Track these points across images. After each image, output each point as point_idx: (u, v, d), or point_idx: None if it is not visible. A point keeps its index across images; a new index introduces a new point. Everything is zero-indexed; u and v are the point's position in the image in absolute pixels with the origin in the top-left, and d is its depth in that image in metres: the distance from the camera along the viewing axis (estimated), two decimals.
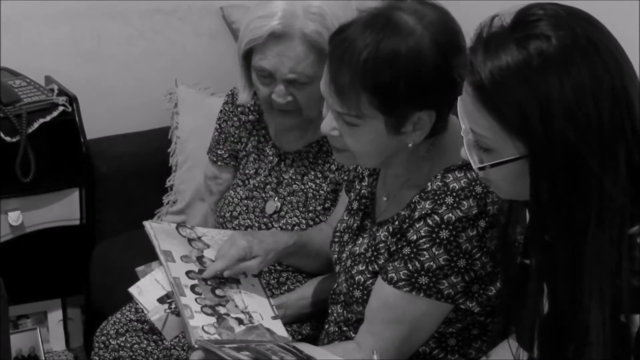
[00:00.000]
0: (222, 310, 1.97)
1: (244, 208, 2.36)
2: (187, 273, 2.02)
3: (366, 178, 2.04)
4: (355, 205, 2.03)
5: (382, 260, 1.88)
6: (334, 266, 2.05)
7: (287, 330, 2.04)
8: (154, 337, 2.25)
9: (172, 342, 2.21)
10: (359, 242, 1.97)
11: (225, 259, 2.04)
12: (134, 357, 2.24)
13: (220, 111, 2.47)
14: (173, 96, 3.11)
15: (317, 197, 2.29)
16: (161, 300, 2.03)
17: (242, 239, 2.07)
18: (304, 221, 2.28)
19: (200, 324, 1.91)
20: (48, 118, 2.80)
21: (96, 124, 3.00)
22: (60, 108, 2.84)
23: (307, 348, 1.85)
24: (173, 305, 2.01)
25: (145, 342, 2.26)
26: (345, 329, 1.99)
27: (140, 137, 3.14)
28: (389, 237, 1.87)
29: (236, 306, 2.01)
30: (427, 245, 1.77)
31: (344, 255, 2.00)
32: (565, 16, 1.44)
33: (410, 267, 1.79)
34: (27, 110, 2.77)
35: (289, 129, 2.31)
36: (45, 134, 2.80)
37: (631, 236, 1.42)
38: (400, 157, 1.87)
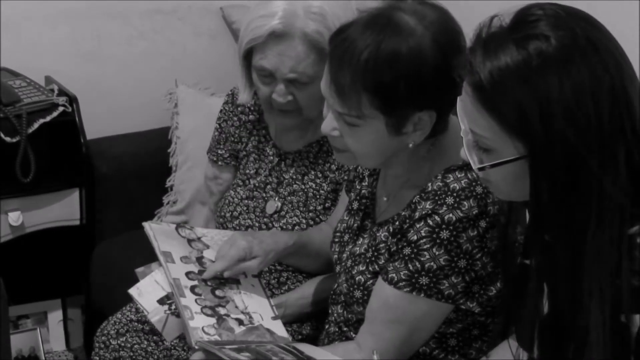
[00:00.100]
0: (222, 311, 1.97)
1: (244, 208, 2.36)
2: (187, 274, 2.02)
3: (366, 178, 2.04)
4: (355, 205, 2.03)
5: (383, 261, 1.87)
6: (334, 266, 2.05)
7: (287, 330, 2.05)
8: (154, 337, 2.25)
9: (172, 343, 2.20)
10: (359, 242, 1.97)
11: (225, 260, 2.04)
12: (134, 357, 2.24)
13: (221, 111, 2.47)
14: (173, 96, 3.10)
15: (318, 197, 2.29)
16: (161, 302, 2.03)
17: (242, 240, 2.07)
18: (304, 221, 2.28)
19: (201, 325, 1.91)
20: (48, 118, 2.80)
21: (96, 124, 3.00)
22: (60, 108, 2.84)
23: (307, 349, 1.85)
24: (173, 307, 2.01)
25: (145, 342, 2.26)
26: (345, 329, 1.99)
27: (140, 137, 3.14)
28: (390, 238, 1.87)
29: (236, 307, 2.01)
30: (428, 246, 1.77)
31: (344, 255, 2.00)
32: (564, 16, 1.43)
33: (411, 268, 1.79)
34: (27, 111, 2.77)
35: (289, 128, 2.31)
36: (45, 134, 2.80)
37: (631, 236, 1.42)
38: (400, 158, 1.87)
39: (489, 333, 1.88)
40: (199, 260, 2.07)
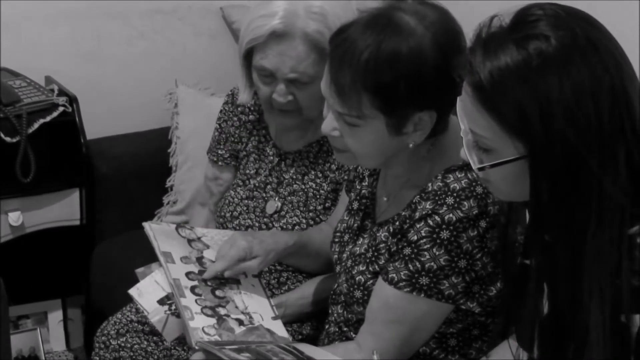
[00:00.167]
0: (222, 311, 1.97)
1: (245, 208, 2.36)
2: (187, 274, 2.01)
3: (366, 178, 2.04)
4: (355, 205, 2.03)
5: (383, 261, 1.87)
6: (335, 266, 2.05)
7: (287, 330, 2.04)
8: (154, 338, 2.25)
9: (172, 344, 2.20)
10: (360, 242, 1.96)
11: (225, 260, 2.04)
12: (134, 357, 2.24)
13: (220, 111, 2.47)
14: (173, 96, 3.10)
15: (318, 196, 2.29)
16: (161, 302, 2.03)
17: (242, 239, 2.07)
18: (304, 221, 2.28)
19: (201, 325, 1.91)
20: (48, 118, 2.80)
21: (96, 124, 3.00)
22: (61, 108, 2.84)
23: (307, 349, 1.85)
24: (173, 307, 2.01)
25: (145, 342, 2.26)
26: (345, 329, 1.99)
27: (141, 137, 3.14)
28: (390, 238, 1.87)
29: (236, 307, 2.01)
30: (428, 246, 1.77)
31: (345, 255, 2.00)
32: (564, 16, 1.43)
33: (411, 268, 1.79)
34: (27, 111, 2.77)
35: (289, 128, 2.31)
36: (45, 134, 2.80)
37: (631, 236, 1.42)
38: (400, 158, 1.87)
39: (489, 333, 1.88)
40: (199, 260, 2.07)
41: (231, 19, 3.27)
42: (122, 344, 2.26)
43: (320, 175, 2.30)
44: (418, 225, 1.79)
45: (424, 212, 1.78)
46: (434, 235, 1.77)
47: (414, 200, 1.83)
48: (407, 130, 1.79)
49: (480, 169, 1.50)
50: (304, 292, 2.25)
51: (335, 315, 2.03)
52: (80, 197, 2.93)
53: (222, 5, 3.30)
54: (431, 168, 1.85)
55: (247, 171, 2.40)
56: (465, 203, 1.76)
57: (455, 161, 1.78)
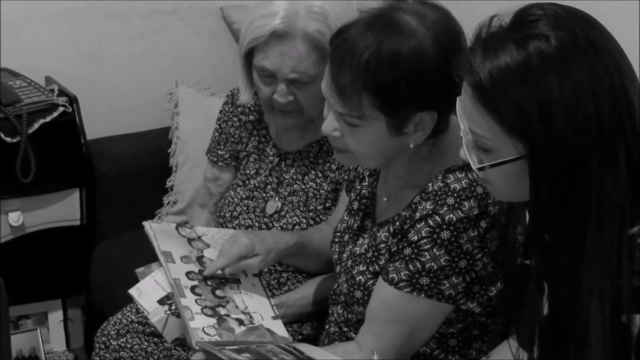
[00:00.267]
0: (222, 311, 1.97)
1: (245, 208, 2.36)
2: (187, 274, 2.01)
3: (367, 178, 2.04)
4: (355, 205, 2.03)
5: (383, 261, 1.87)
6: (335, 266, 2.05)
7: (287, 330, 2.04)
8: (155, 339, 2.25)
9: (172, 344, 2.20)
10: (360, 242, 1.96)
11: (226, 257, 2.04)
12: (134, 357, 2.24)
13: (220, 111, 2.47)
14: (173, 96, 3.11)
15: (318, 196, 2.29)
16: (161, 302, 2.03)
17: (244, 237, 2.07)
18: (304, 221, 2.28)
19: (201, 325, 1.91)
20: (48, 118, 2.80)
21: (96, 125, 3.00)
22: (61, 108, 2.84)
23: (307, 349, 1.85)
24: (173, 307, 2.01)
25: (145, 343, 2.26)
26: (345, 329, 1.99)
27: (141, 137, 3.14)
28: (390, 238, 1.87)
29: (236, 307, 2.01)
30: (428, 246, 1.77)
31: (345, 255, 2.00)
32: (564, 16, 1.43)
33: (411, 268, 1.79)
34: (28, 111, 2.77)
35: (289, 129, 2.31)
36: (45, 134, 2.80)
37: (631, 236, 1.42)
38: (401, 158, 1.87)
39: (489, 333, 1.88)
40: (200, 259, 2.07)
41: (231, 19, 3.27)
42: (123, 344, 2.26)
43: (320, 175, 2.30)
44: (418, 226, 1.79)
45: (424, 213, 1.78)
46: (435, 236, 1.77)
47: (414, 201, 1.83)
48: (407, 130, 1.79)
49: (480, 169, 1.50)
50: (304, 292, 2.25)
51: (335, 315, 2.03)
52: (80, 197, 2.93)
53: (222, 5, 3.30)
54: (431, 168, 1.85)
55: (247, 171, 2.40)
56: (465, 203, 1.76)
57: (455, 161, 1.78)
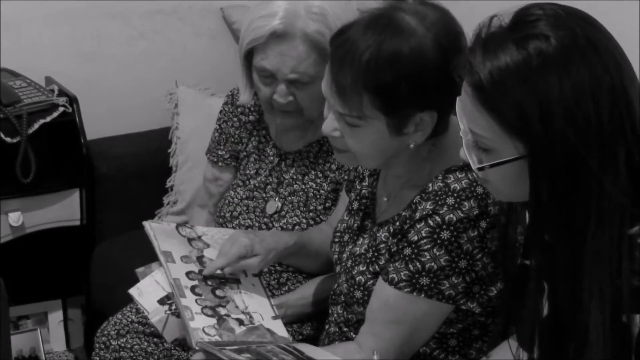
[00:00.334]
0: (222, 311, 1.97)
1: (244, 208, 2.36)
2: (187, 274, 2.01)
3: (367, 178, 2.04)
4: (355, 205, 2.03)
5: (383, 261, 1.87)
6: (335, 266, 2.05)
7: (287, 330, 2.04)
8: (155, 340, 2.25)
9: (172, 344, 2.20)
10: (360, 242, 1.96)
11: (226, 257, 2.04)
12: (134, 357, 2.24)
13: (220, 112, 2.47)
14: (173, 97, 3.11)
15: (318, 196, 2.29)
16: (161, 302, 2.03)
17: (244, 237, 2.07)
18: (304, 221, 2.28)
19: (201, 325, 1.91)
20: (48, 119, 2.80)
21: (96, 125, 3.00)
22: (61, 109, 2.84)
23: (307, 349, 1.85)
24: (173, 307, 2.01)
25: (145, 343, 2.26)
26: (345, 329, 1.99)
27: (141, 137, 3.14)
28: (390, 238, 1.87)
29: (236, 307, 2.01)
30: (428, 246, 1.77)
31: (345, 255, 2.00)
32: (564, 16, 1.43)
33: (411, 268, 1.79)
34: (28, 111, 2.77)
35: (289, 129, 2.31)
36: (45, 134, 2.80)
37: (631, 236, 1.42)
38: (401, 158, 1.87)
39: (489, 333, 1.88)
40: (200, 259, 2.07)
41: (231, 19, 3.27)
42: (123, 345, 2.26)
43: (320, 175, 2.30)
44: (418, 226, 1.79)
45: (424, 213, 1.78)
46: (435, 236, 1.77)
47: (414, 201, 1.83)
48: (408, 130, 1.79)
49: (479, 169, 1.50)
50: (304, 292, 2.25)
51: (335, 315, 2.03)
52: (80, 197, 2.93)
53: (222, 5, 3.30)
54: (432, 168, 1.85)
55: (247, 171, 2.40)
56: (465, 203, 1.76)
57: (455, 161, 1.78)
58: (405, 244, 1.81)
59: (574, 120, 1.39)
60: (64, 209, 2.92)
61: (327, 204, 2.29)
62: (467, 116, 1.48)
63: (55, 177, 2.87)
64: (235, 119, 2.43)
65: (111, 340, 2.28)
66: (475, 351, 1.90)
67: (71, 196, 2.92)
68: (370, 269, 1.89)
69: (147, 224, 2.09)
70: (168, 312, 2.02)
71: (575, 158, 1.40)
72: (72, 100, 2.87)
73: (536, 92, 1.40)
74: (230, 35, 3.30)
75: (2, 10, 2.97)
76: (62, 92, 2.90)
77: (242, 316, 1.99)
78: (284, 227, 2.29)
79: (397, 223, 1.86)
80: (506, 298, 1.73)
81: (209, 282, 2.03)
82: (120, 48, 3.21)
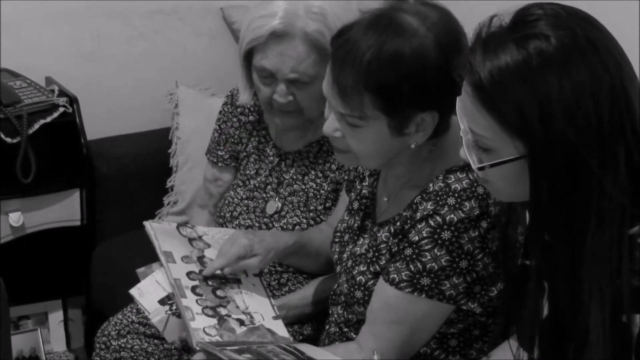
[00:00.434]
0: (223, 311, 1.97)
1: (245, 208, 2.36)
2: (188, 274, 2.01)
3: (367, 178, 2.04)
4: (355, 205, 2.03)
5: (384, 261, 1.87)
6: (335, 266, 2.05)
7: (288, 330, 2.04)
8: (155, 341, 2.25)
9: (173, 345, 2.20)
10: (360, 242, 1.96)
11: (225, 257, 2.04)
12: (135, 357, 2.24)
13: (220, 112, 2.47)
14: (173, 97, 3.11)
15: (318, 196, 2.29)
16: (162, 302, 2.03)
17: (243, 237, 2.07)
18: (304, 221, 2.28)
19: (202, 325, 1.91)
20: (48, 119, 2.80)
21: (96, 125, 3.01)
22: (61, 109, 2.84)
23: (308, 349, 1.85)
24: (174, 307, 2.01)
25: (146, 343, 2.26)
26: (345, 329, 1.99)
27: (141, 137, 3.14)
28: (391, 238, 1.87)
29: (237, 307, 2.01)
30: (429, 246, 1.77)
31: (345, 255, 2.00)
32: (564, 16, 1.43)
33: (412, 268, 1.79)
34: (28, 111, 2.77)
35: (289, 129, 2.31)
36: (45, 134, 2.80)
37: (631, 236, 1.42)
38: (402, 158, 1.87)
39: (490, 333, 1.88)
40: (200, 259, 2.07)
41: (231, 19, 3.27)
42: (123, 345, 2.26)
43: (320, 175, 2.30)
44: (419, 226, 1.79)
45: (425, 213, 1.78)
46: (435, 236, 1.77)
47: (415, 201, 1.83)
48: (409, 131, 1.79)
49: (479, 169, 1.50)
50: (305, 293, 2.25)
51: (335, 315, 2.03)
52: (80, 197, 2.94)
53: (222, 5, 3.30)
54: (432, 168, 1.85)
55: (247, 172, 2.40)
56: (466, 204, 1.76)
57: (456, 162, 1.78)
58: (406, 244, 1.81)
59: (574, 120, 1.39)
60: (64, 209, 2.92)
61: (327, 204, 2.29)
62: (467, 116, 1.48)
63: (56, 178, 2.87)
64: (235, 119, 2.43)
65: (112, 341, 2.28)
66: (475, 351, 1.89)
67: (71, 196, 2.92)
68: (371, 269, 1.89)
69: (147, 224, 2.09)
70: (169, 312, 2.03)
71: (575, 158, 1.40)
72: (72, 101, 2.87)
73: (536, 91, 1.40)
74: (230, 35, 3.30)
75: (2, 10, 2.98)
76: (62, 92, 2.91)
77: (242, 316, 1.99)
78: (284, 227, 2.29)
79: (398, 223, 1.86)
80: (507, 298, 1.73)
81: (210, 283, 2.03)
82: (120, 48, 3.21)
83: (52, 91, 2.90)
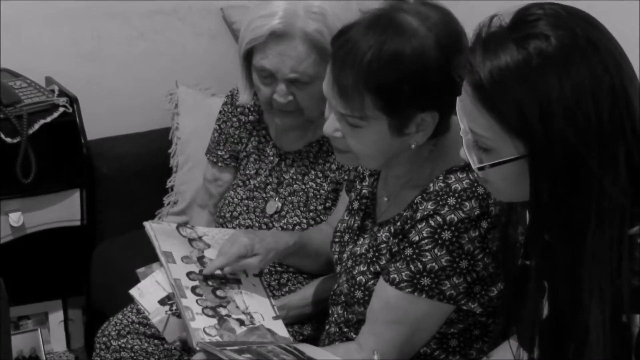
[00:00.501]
0: (223, 311, 1.97)
1: (245, 208, 2.36)
2: (188, 274, 2.01)
3: (367, 178, 2.04)
4: (355, 205, 2.03)
5: (384, 261, 1.87)
6: (335, 266, 2.05)
7: (288, 331, 2.04)
8: (155, 341, 2.25)
9: (173, 345, 2.20)
10: (360, 242, 1.96)
11: (225, 256, 2.04)
12: (135, 357, 2.24)
13: (220, 112, 2.47)
14: (173, 97, 3.11)
15: (318, 196, 2.29)
16: (162, 302, 2.03)
17: (244, 237, 2.07)
18: (304, 221, 2.28)
19: (202, 325, 1.91)
20: (49, 119, 2.81)
21: (97, 125, 3.01)
22: (61, 109, 2.84)
23: (308, 349, 1.85)
24: (174, 307, 2.01)
25: (146, 344, 2.26)
26: (345, 330, 1.99)
27: (141, 137, 3.14)
28: (391, 238, 1.87)
29: (237, 307, 2.01)
30: (430, 247, 1.77)
31: (345, 255, 2.00)
32: (564, 16, 1.43)
33: (413, 268, 1.79)
34: (28, 111, 2.77)
35: (289, 129, 2.31)
36: (45, 134, 2.80)
37: (631, 236, 1.42)
38: (402, 158, 1.87)
39: (490, 333, 1.88)
40: (200, 259, 2.07)
41: (231, 19, 3.27)
42: (123, 345, 2.26)
43: (320, 175, 2.30)
44: (419, 226, 1.79)
45: (425, 213, 1.78)
46: (436, 236, 1.77)
47: (415, 201, 1.83)
48: (409, 131, 1.79)
49: (479, 169, 1.50)
50: (305, 293, 2.25)
51: (335, 315, 2.03)
52: (80, 197, 2.94)
53: (222, 5, 3.30)
54: (432, 168, 1.85)
55: (247, 171, 2.40)
56: (466, 204, 1.76)
57: (456, 162, 1.78)
58: (407, 244, 1.81)
59: (574, 120, 1.39)
60: (64, 209, 2.92)
61: (327, 204, 2.29)
62: (467, 116, 1.48)
63: (56, 178, 2.87)
64: (234, 119, 2.43)
65: (112, 341, 2.28)
66: (475, 351, 1.89)
67: (71, 196, 2.92)
68: (371, 269, 1.89)
69: (147, 225, 2.09)
70: (169, 312, 2.03)
71: (575, 158, 1.40)
72: (73, 101, 2.87)
73: (536, 91, 1.40)
74: (230, 35, 3.30)
75: (2, 10, 2.98)
76: (63, 93, 2.91)
77: (242, 316, 1.99)
78: (284, 227, 2.29)
79: (398, 223, 1.86)
80: (507, 298, 1.73)
81: (210, 283, 2.03)
82: (120, 48, 3.21)
83: (52, 91, 2.90)
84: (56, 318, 3.13)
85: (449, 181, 1.79)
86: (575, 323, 1.44)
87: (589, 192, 1.40)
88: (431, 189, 1.80)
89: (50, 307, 3.12)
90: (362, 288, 1.90)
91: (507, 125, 1.43)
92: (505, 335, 1.74)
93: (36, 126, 2.78)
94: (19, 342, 2.99)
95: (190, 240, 2.12)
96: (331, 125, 1.83)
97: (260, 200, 2.35)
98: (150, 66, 3.25)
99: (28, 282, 2.99)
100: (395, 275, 1.80)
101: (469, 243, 1.76)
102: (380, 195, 1.98)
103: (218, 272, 2.04)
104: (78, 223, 2.95)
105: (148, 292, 2.04)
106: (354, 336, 1.95)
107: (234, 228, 2.34)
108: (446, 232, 1.76)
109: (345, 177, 2.22)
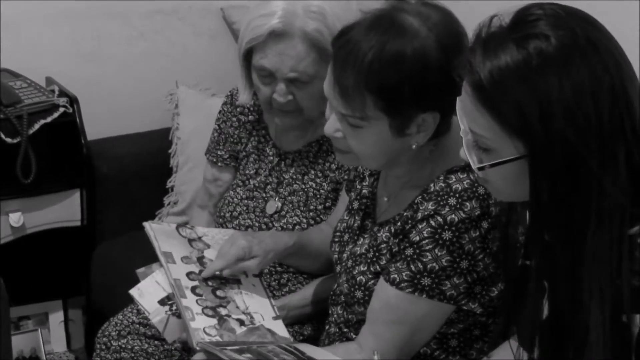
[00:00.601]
0: (223, 311, 1.97)
1: (244, 208, 2.36)
2: (188, 274, 2.01)
3: (367, 178, 2.04)
4: (355, 205, 2.03)
5: (384, 261, 1.87)
6: (335, 266, 2.04)
7: (288, 331, 2.04)
8: (156, 342, 2.25)
9: (173, 345, 2.20)
10: (360, 242, 1.96)
11: (224, 258, 2.04)
12: (135, 358, 2.24)
13: (220, 112, 2.47)
14: (174, 97, 3.11)
15: (318, 196, 2.29)
16: (162, 302, 2.03)
17: (242, 239, 2.07)
18: (304, 220, 2.28)
19: (202, 326, 1.91)
20: (49, 119, 2.80)
21: (97, 125, 3.01)
22: (61, 109, 2.84)
23: (308, 349, 1.85)
24: (174, 307, 2.01)
25: (146, 344, 2.26)
26: (345, 330, 1.99)
27: (141, 138, 3.14)
28: (391, 238, 1.87)
29: (237, 307, 2.01)
30: (430, 247, 1.77)
31: (345, 255, 2.00)
32: (564, 16, 1.43)
33: (413, 268, 1.79)
34: (28, 112, 2.77)
35: (289, 128, 2.31)
36: (46, 135, 2.80)
37: (631, 236, 1.42)
38: (403, 159, 1.87)
39: (490, 333, 1.88)
40: (200, 260, 2.07)
41: (231, 20, 3.27)
42: (123, 345, 2.26)
43: (320, 174, 2.30)
44: (420, 226, 1.79)
45: (426, 213, 1.78)
46: (436, 236, 1.77)
47: (415, 201, 1.83)
48: (410, 131, 1.79)
49: (479, 169, 1.50)
50: (305, 293, 2.25)
51: (335, 316, 2.03)
52: (80, 197, 2.94)
53: (222, 5, 3.30)
54: (433, 169, 1.85)
55: (247, 171, 2.40)
56: (467, 204, 1.76)
57: (457, 162, 1.78)
58: (407, 244, 1.81)
59: (574, 120, 1.39)
60: (64, 210, 2.92)
61: (327, 204, 2.29)
62: (467, 116, 1.48)
63: (56, 178, 2.87)
64: (234, 119, 2.43)
65: (112, 341, 2.28)
66: (476, 351, 1.89)
67: (72, 197, 2.92)
68: (371, 269, 1.89)
69: (147, 225, 2.09)
70: (169, 312, 2.03)
71: (575, 158, 1.40)
72: (73, 101, 2.87)
73: (536, 91, 1.40)
74: (230, 35, 3.30)
75: (2, 10, 2.98)
76: (63, 93, 2.91)
77: (242, 316, 1.99)
78: (284, 227, 2.29)
79: (398, 223, 1.86)
80: (507, 298, 1.73)
81: (210, 283, 2.03)
82: (120, 48, 3.21)
83: (52, 91, 2.90)
84: (56, 318, 3.13)
85: (450, 181, 1.79)
86: (575, 323, 1.44)
87: (589, 192, 1.40)
88: (432, 189, 1.80)
89: (51, 307, 3.12)
90: (362, 288, 1.90)
91: (507, 125, 1.43)
92: (506, 335, 1.74)
93: (36, 126, 2.78)
94: (19, 343, 2.99)
95: (190, 241, 2.12)
96: (332, 126, 1.83)
97: (260, 200, 2.35)
98: (150, 66, 3.25)
99: (28, 283, 2.99)
100: (396, 275, 1.80)
101: (470, 243, 1.76)
102: (380, 195, 1.98)
103: (217, 273, 2.04)
104: (78, 223, 2.95)
105: (148, 293, 2.04)
106: (354, 336, 1.95)
107: (233, 228, 2.34)
108: (447, 232, 1.76)
109: (345, 177, 2.22)
